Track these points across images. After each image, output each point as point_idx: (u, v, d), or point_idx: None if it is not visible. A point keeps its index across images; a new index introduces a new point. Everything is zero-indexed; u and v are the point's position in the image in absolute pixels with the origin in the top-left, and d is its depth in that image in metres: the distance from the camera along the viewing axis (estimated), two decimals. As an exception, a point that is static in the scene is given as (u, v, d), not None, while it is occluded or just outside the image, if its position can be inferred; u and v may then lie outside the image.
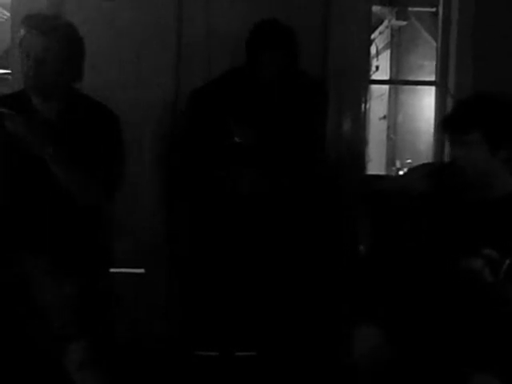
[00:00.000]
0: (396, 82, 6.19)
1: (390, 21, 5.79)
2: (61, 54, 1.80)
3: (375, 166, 5.30)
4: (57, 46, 1.79)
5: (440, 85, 2.83)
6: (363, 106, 2.73)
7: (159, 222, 2.64)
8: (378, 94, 5.85)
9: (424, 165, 1.90)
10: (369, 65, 2.92)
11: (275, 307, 2.23)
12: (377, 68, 5.86)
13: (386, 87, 5.90)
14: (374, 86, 4.86)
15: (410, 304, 1.60)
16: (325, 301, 2.43)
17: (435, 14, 3.32)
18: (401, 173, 3.79)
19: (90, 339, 1.69)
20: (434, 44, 3.31)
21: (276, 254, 2.19)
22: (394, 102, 5.95)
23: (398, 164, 4.32)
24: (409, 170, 2.01)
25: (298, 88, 2.23)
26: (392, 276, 1.64)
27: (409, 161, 4.02)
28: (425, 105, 4.55)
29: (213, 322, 2.39)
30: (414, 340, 1.56)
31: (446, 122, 1.70)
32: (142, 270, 2.62)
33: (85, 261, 1.79)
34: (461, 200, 1.63)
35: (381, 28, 5.91)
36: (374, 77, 5.20)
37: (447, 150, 2.79)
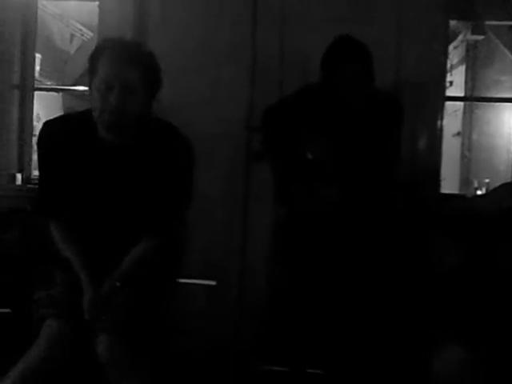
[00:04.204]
0: (473, 99, 5.99)
1: (465, 35, 5.64)
2: (145, 86, 1.65)
3: (448, 184, 5.15)
4: (142, 77, 1.64)
5: (521, 101, 2.72)
6: (439, 122, 2.67)
7: (231, 235, 2.69)
8: (452, 110, 5.69)
9: (506, 184, 1.84)
10: (445, 80, 2.85)
11: (351, 326, 2.19)
12: (450, 83, 5.71)
13: (460, 102, 5.72)
14: (447, 102, 4.74)
15: (501, 324, 1.53)
16: (404, 322, 2.37)
17: (515, 27, 3.20)
18: (479, 192, 3.64)
19: (123, 338, 1.60)
20: (513, 59, 3.19)
21: (353, 271, 2.16)
22: (468, 118, 5.76)
23: (475, 183, 4.16)
24: (491, 190, 1.96)
25: (374, 103, 2.20)
26: (482, 295, 1.59)
27: (487, 180, 3.87)
28: (502, 121, 4.38)
29: (286, 337, 2.38)
30: (504, 362, 1.50)
31: None
32: (213, 282, 2.66)
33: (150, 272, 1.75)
34: None
35: (455, 42, 5.76)
36: (448, 92, 5.07)
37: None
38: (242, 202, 2.68)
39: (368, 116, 2.19)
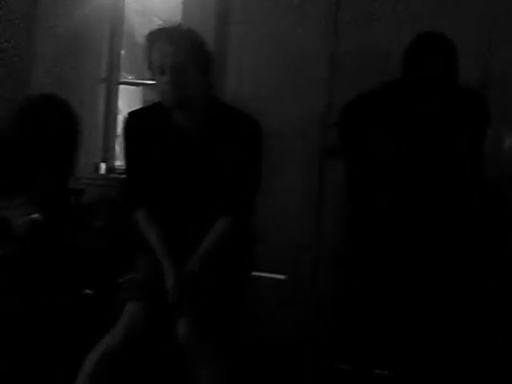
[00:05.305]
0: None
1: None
2: (194, 62, 1.75)
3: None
4: (189, 54, 1.74)
5: None
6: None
7: (304, 230, 2.69)
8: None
9: None
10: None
11: (423, 330, 2.14)
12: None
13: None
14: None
15: None
16: (478, 325, 2.29)
17: None
18: None
19: (201, 323, 1.65)
20: None
21: (428, 271, 2.11)
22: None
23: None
24: None
25: (458, 102, 2.13)
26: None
27: None
28: None
29: (356, 335, 2.35)
30: None
31: None
32: (283, 277, 2.68)
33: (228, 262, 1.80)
34: None
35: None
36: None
37: None
38: (316, 198, 2.68)
39: (451, 115, 2.12)
